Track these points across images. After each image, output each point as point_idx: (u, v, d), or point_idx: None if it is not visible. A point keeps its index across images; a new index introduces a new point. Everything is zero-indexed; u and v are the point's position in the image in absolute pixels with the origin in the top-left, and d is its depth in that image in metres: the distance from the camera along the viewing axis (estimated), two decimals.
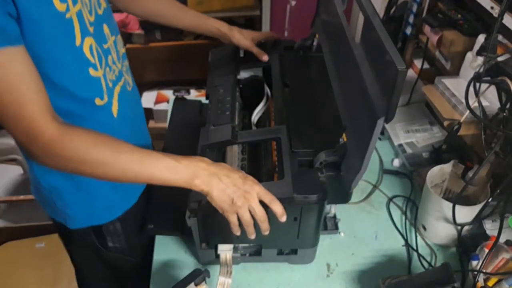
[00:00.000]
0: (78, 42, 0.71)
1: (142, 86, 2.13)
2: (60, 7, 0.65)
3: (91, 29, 0.75)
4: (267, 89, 1.13)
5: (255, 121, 1.09)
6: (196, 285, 0.80)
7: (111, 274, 1.01)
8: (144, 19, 1.07)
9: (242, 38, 1.08)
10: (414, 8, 1.28)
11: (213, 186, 0.71)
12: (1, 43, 0.57)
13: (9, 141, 1.80)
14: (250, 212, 0.72)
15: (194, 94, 2.35)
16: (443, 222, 0.96)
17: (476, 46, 1.02)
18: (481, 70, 0.92)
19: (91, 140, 0.67)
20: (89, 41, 0.74)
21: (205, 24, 1.08)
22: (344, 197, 0.89)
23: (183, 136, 1.03)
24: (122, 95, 0.82)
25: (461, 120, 0.99)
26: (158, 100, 2.26)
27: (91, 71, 0.73)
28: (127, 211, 0.90)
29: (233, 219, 0.73)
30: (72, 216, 0.84)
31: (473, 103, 0.93)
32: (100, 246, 0.91)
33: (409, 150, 1.23)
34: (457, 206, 0.91)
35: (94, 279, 1.04)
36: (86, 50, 0.72)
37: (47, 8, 0.63)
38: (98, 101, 0.75)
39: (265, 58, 1.07)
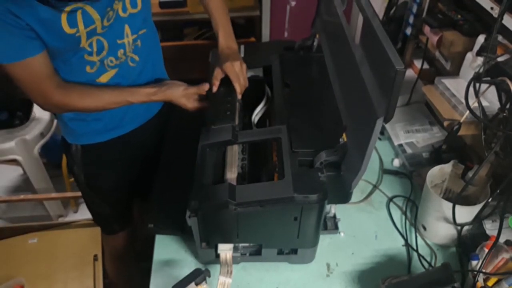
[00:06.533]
0: (82, 44, 0.92)
1: None
2: (69, 31, 0.87)
3: (102, 31, 0.93)
4: (267, 89, 1.13)
5: (255, 121, 1.09)
6: (196, 284, 0.80)
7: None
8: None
9: (220, 63, 1.02)
10: (414, 9, 1.28)
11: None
12: (27, 55, 0.86)
13: (9, 142, 1.80)
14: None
15: None
16: (443, 222, 0.96)
17: (476, 47, 1.02)
18: (481, 70, 0.92)
19: (81, 93, 0.98)
20: (92, 39, 0.93)
21: (215, 29, 1.09)
22: (344, 197, 0.89)
23: (183, 136, 1.03)
24: (121, 72, 1.03)
25: (461, 120, 0.99)
26: None
27: (86, 56, 0.96)
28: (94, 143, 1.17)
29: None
30: (70, 135, 1.15)
31: (473, 103, 0.93)
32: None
33: (409, 150, 1.23)
34: (457, 206, 0.91)
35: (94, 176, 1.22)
36: (86, 45, 0.93)
37: (57, 33, 0.86)
38: (88, 69, 0.99)
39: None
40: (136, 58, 1.05)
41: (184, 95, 1.03)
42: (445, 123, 1.03)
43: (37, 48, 0.87)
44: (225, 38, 1.08)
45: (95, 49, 0.95)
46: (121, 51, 1.00)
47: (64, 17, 0.85)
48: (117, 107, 1.04)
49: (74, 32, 0.88)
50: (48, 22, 0.84)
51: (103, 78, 1.02)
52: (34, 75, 0.90)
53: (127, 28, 0.99)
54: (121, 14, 0.96)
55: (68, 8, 0.84)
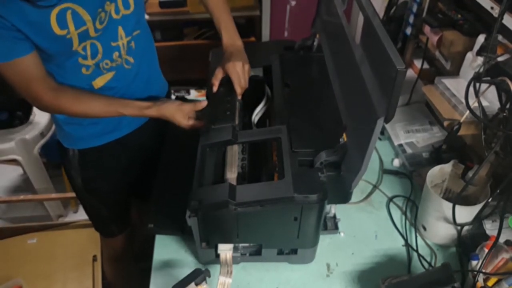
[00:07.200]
0: (74, 47, 0.91)
1: None
2: (60, 32, 0.86)
3: (96, 34, 0.93)
4: (267, 89, 1.13)
5: (255, 121, 1.09)
6: (196, 284, 0.80)
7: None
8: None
9: (222, 62, 1.03)
10: (414, 8, 1.28)
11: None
12: (15, 55, 0.86)
13: (9, 142, 1.80)
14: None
15: (194, 94, 2.35)
16: (443, 222, 0.96)
17: (476, 46, 1.02)
18: (481, 70, 0.92)
19: (72, 98, 0.97)
20: (86, 43, 0.92)
21: (217, 27, 1.10)
22: (344, 197, 0.89)
23: (183, 136, 1.03)
24: (117, 75, 1.03)
25: (461, 120, 0.99)
26: None
27: (80, 60, 0.95)
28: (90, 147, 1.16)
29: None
30: (66, 139, 1.15)
31: (473, 103, 0.93)
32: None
33: (409, 150, 1.23)
34: (457, 206, 0.91)
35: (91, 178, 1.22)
36: (79, 49, 0.93)
37: (47, 34, 0.85)
38: (84, 71, 0.98)
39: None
40: (131, 60, 1.04)
41: (178, 111, 0.99)
42: (445, 123, 1.03)
43: (25, 49, 0.86)
44: (229, 35, 1.07)
45: (89, 52, 0.94)
46: (116, 53, 0.99)
47: (53, 18, 0.84)
48: (108, 117, 1.02)
49: (64, 33, 0.87)
50: (37, 24, 0.83)
51: (99, 81, 1.00)
52: (23, 76, 0.89)
53: (120, 30, 0.97)
54: (114, 16, 0.94)
55: (55, 9, 0.83)
